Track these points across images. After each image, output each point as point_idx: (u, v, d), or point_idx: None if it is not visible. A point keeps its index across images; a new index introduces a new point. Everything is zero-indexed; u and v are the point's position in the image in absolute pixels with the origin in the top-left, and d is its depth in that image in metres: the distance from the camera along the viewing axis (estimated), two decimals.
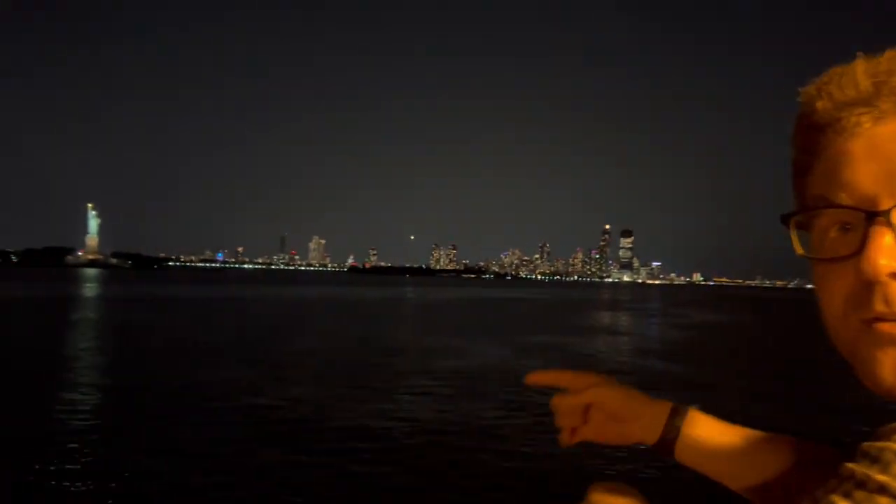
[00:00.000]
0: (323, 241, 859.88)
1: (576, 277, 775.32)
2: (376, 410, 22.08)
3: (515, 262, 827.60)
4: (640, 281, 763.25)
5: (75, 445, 17.03)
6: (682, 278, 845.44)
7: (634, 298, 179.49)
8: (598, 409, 1.42)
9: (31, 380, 26.20)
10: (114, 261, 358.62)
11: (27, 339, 40.59)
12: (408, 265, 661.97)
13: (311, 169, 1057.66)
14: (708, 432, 1.23)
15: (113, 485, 14.17)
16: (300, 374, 28.83)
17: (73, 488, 13.95)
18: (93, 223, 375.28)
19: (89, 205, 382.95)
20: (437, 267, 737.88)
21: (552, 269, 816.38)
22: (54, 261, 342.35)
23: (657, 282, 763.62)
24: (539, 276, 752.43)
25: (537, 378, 1.67)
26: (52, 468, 15.20)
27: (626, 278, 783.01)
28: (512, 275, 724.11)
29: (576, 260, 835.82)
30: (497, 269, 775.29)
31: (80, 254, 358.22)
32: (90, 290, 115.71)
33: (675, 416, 1.29)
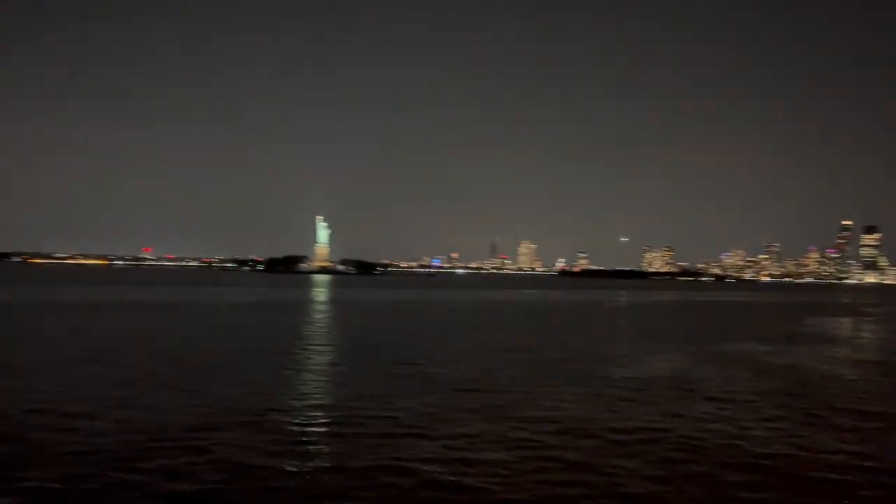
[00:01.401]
0: (533, 246, 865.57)
1: (809, 279, 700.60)
2: (526, 417, 21.65)
3: (738, 263, 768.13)
4: (887, 283, 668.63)
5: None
6: None
7: (877, 302, 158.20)
8: None
9: (221, 368, 29.34)
10: (340, 267, 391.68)
11: (252, 332, 45.54)
12: (618, 269, 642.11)
13: (522, 174, 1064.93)
14: None
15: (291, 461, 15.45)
16: (456, 375, 29.03)
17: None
18: (322, 233, 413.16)
19: (319, 217, 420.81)
20: (651, 270, 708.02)
21: (781, 270, 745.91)
22: (290, 268, 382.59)
23: None
24: (765, 279, 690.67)
25: None
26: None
27: (869, 279, 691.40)
28: (734, 277, 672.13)
29: (809, 260, 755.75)
30: (718, 272, 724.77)
31: (311, 261, 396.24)
32: (311, 293, 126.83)
33: None
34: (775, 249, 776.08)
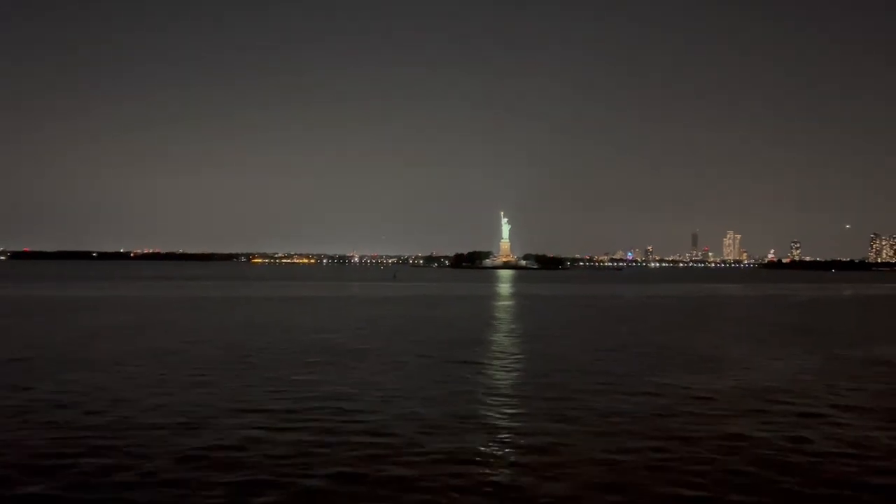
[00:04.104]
0: (738, 236, 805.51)
1: None
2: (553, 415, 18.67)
3: None
4: None
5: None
6: None
7: None
8: None
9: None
10: (523, 262, 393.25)
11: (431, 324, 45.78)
12: (835, 259, 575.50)
13: (727, 158, 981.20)
14: None
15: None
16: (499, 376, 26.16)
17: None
18: (505, 229, 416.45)
19: (501, 213, 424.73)
20: (878, 260, 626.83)
21: None
22: (475, 263, 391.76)
23: None
24: None
25: None
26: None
27: None
28: None
29: None
30: None
31: (495, 257, 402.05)
32: (477, 287, 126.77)
33: None
34: None
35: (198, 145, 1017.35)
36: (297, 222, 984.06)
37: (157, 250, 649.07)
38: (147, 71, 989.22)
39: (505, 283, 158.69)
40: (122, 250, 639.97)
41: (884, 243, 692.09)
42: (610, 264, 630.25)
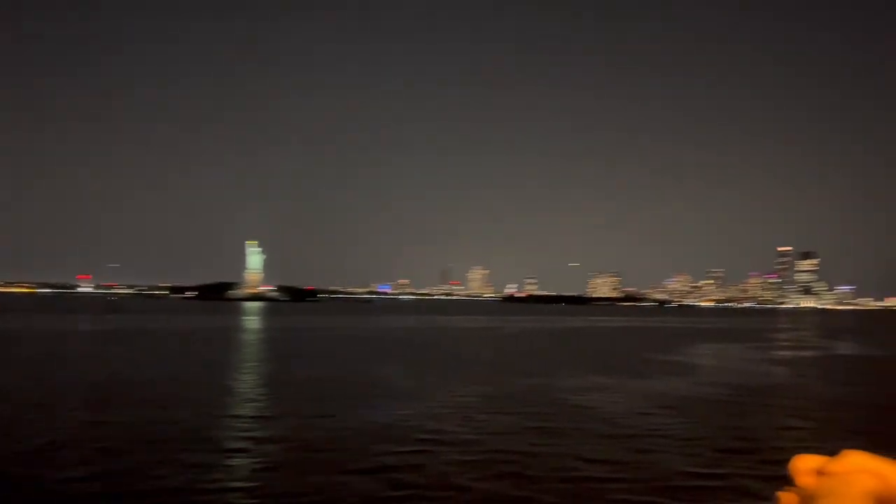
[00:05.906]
0: (486, 272, 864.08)
1: (749, 305, 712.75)
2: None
3: (682, 288, 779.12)
4: (824, 307, 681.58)
5: None
6: (880, 303, 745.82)
7: (792, 327, 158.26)
8: None
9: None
10: (271, 294, 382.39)
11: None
12: (563, 294, 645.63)
13: (475, 199, 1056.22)
14: None
15: None
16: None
17: None
18: (254, 259, 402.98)
19: (248, 242, 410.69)
20: (596, 295, 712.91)
21: (724, 295, 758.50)
22: (221, 295, 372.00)
23: (846, 307, 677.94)
24: (708, 304, 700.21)
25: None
26: None
27: (807, 304, 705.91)
28: (677, 303, 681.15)
29: (750, 285, 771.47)
30: (663, 297, 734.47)
31: (242, 288, 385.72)
32: (218, 320, 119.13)
33: None
34: (719, 275, 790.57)
35: None
36: (17, 245, 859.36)
37: None
38: None
39: (239, 316, 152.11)
40: None
41: (600, 280, 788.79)
42: (362, 297, 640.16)
